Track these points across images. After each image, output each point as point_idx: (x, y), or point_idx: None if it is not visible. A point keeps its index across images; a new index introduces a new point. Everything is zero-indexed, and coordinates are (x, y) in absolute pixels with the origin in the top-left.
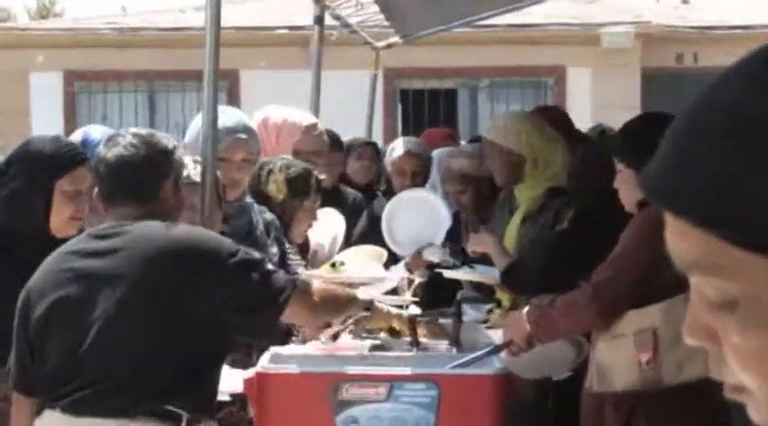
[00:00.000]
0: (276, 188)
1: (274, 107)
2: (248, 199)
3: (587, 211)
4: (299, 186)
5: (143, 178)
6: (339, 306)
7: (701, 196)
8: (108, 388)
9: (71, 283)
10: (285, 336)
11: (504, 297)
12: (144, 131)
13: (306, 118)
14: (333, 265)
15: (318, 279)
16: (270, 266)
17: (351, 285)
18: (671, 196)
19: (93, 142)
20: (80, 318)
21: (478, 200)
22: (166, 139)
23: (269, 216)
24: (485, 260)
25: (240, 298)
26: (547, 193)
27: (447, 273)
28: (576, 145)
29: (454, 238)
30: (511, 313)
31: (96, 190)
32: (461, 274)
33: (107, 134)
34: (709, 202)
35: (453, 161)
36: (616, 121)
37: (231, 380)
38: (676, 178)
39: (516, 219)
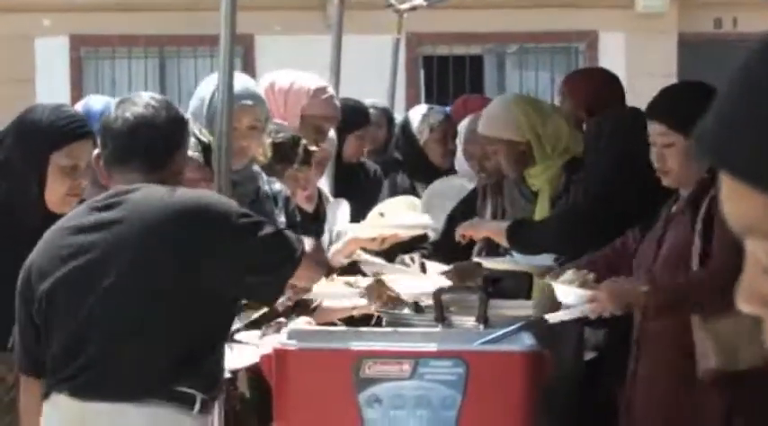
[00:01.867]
0: (261, 150)
1: (282, 71)
2: (255, 168)
3: (604, 185)
4: (284, 152)
5: (160, 142)
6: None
7: (759, 156)
8: (113, 370)
9: (72, 260)
10: None
11: (542, 286)
12: (159, 96)
13: (314, 81)
14: (380, 215)
15: (366, 228)
16: (278, 225)
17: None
18: (728, 155)
19: (96, 113)
20: (83, 296)
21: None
22: (181, 110)
23: (278, 186)
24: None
25: (251, 257)
26: (565, 168)
27: (487, 263)
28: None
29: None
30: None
31: (98, 153)
32: (501, 263)
33: (110, 104)
34: (754, 162)
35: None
36: (651, 89)
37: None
38: (733, 138)
39: (544, 204)
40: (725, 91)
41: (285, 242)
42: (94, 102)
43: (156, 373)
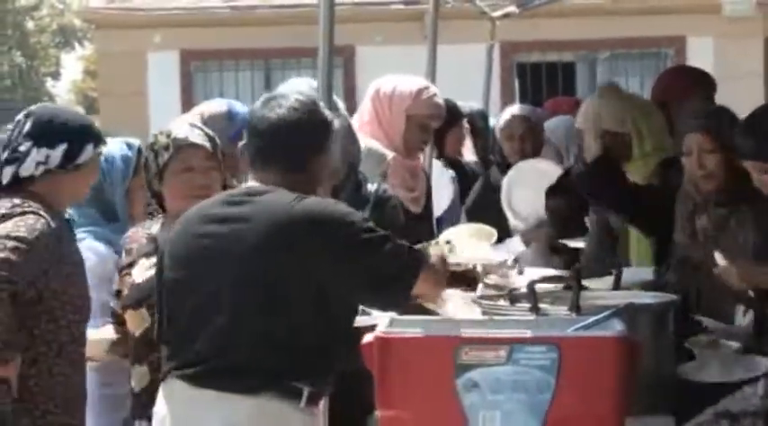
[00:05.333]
0: None
1: (386, 77)
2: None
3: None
4: None
5: (300, 146)
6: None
7: None
8: (225, 364)
9: (201, 250)
10: None
11: None
12: (307, 97)
13: (416, 83)
14: (437, 244)
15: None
16: (398, 241)
17: (458, 265)
18: None
19: (238, 115)
20: (208, 288)
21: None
22: (326, 110)
23: (375, 186)
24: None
25: (371, 273)
26: (661, 166)
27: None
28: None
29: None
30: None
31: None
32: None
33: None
34: None
35: None
36: (740, 91)
37: None
38: None
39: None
40: None
41: (404, 258)
42: (236, 106)
43: (267, 368)
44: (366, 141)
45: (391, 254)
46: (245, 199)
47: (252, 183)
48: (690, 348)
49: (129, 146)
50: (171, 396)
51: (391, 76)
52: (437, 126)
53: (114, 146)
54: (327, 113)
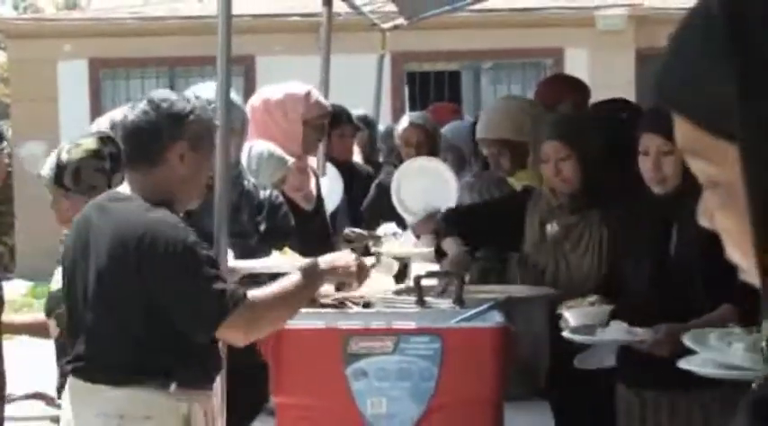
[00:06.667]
0: None
1: (268, 87)
2: (242, 171)
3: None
4: None
5: (147, 144)
6: (293, 304)
7: (676, 87)
8: (95, 360)
9: (75, 251)
10: None
11: None
12: (158, 97)
13: (301, 87)
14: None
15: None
16: (218, 284)
17: (362, 297)
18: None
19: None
20: (78, 290)
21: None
22: (182, 103)
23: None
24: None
25: (181, 303)
26: None
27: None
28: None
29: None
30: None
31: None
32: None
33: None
34: (679, 92)
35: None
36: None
37: None
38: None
39: None
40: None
41: (215, 302)
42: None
43: (128, 362)
44: (266, 145)
45: (204, 293)
46: (108, 205)
47: (116, 191)
48: (561, 312)
49: None
50: (68, 388)
51: (273, 86)
52: (326, 122)
53: None
54: (180, 106)
